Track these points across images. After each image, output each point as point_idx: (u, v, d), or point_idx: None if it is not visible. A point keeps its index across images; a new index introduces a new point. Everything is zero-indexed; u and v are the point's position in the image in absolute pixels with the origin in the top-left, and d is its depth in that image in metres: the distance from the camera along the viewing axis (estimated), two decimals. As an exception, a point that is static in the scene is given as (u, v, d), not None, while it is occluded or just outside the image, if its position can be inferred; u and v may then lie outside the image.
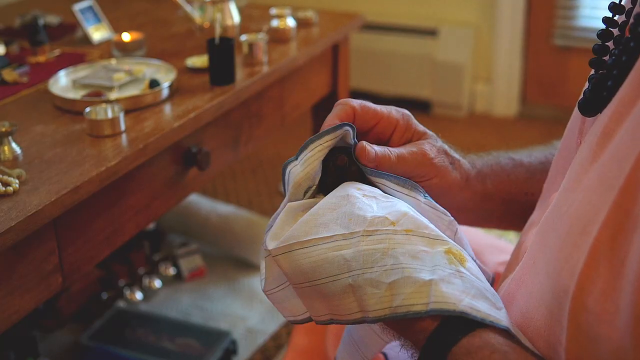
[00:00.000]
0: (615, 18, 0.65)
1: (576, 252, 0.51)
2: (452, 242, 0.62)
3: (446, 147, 0.77)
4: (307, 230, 0.63)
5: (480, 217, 0.84)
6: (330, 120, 0.71)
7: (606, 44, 0.64)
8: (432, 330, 0.58)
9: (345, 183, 0.67)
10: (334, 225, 0.62)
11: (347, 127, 0.68)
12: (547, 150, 0.87)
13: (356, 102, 0.72)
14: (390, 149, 0.71)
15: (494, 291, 0.60)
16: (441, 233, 0.63)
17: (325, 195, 0.67)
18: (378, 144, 0.73)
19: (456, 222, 0.69)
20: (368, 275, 0.59)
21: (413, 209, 0.65)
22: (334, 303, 0.62)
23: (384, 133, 0.74)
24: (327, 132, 0.68)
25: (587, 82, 0.65)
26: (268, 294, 0.69)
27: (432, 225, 0.63)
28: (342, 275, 0.60)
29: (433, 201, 0.68)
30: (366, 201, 0.64)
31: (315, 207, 0.65)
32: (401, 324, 0.61)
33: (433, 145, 0.74)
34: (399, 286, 0.58)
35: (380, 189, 0.68)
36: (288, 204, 0.67)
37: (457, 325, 0.57)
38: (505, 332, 0.57)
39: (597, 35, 0.64)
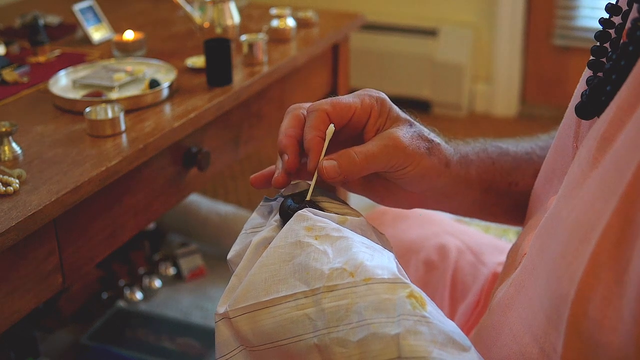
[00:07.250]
0: (613, 19, 0.64)
1: (577, 259, 0.51)
2: (412, 284, 0.60)
3: (425, 130, 0.72)
4: (266, 289, 0.61)
5: (461, 205, 0.81)
6: (308, 132, 0.67)
7: (604, 45, 0.64)
8: None
9: (291, 220, 0.65)
10: (293, 280, 0.61)
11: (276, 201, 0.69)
12: (532, 142, 0.85)
13: (327, 104, 0.68)
14: (355, 150, 0.67)
15: (459, 330, 0.59)
16: (397, 273, 0.60)
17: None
18: (353, 135, 0.70)
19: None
20: (334, 334, 0.58)
21: (366, 243, 0.63)
22: None
23: (360, 122, 0.70)
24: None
25: (584, 84, 0.64)
26: None
27: (387, 263, 0.61)
28: (307, 335, 0.59)
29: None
30: (320, 247, 0.62)
31: (265, 256, 0.63)
32: None
33: (407, 130, 0.70)
34: (367, 343, 0.57)
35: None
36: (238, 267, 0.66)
37: None
38: None
39: (595, 37, 0.64)
